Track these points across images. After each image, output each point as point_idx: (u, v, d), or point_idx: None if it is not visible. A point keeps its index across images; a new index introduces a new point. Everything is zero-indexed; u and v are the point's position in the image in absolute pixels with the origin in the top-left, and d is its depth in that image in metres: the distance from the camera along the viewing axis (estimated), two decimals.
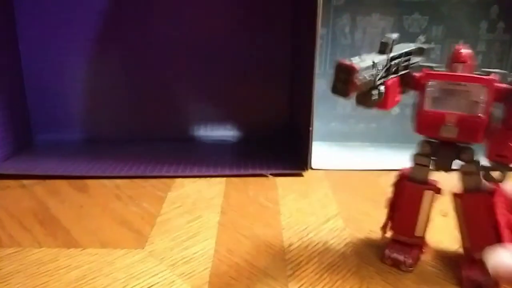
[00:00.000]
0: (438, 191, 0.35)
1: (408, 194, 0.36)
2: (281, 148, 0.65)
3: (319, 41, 0.51)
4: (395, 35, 0.31)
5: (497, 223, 0.32)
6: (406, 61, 0.33)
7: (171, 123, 0.69)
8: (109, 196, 0.50)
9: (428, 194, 0.35)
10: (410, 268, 0.36)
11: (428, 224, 0.36)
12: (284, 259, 0.38)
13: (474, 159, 0.33)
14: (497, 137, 0.31)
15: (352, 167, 0.58)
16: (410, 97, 0.71)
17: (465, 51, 0.32)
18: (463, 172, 0.33)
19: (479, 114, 0.31)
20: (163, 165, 0.57)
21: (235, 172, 0.55)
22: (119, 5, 0.63)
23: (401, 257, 0.36)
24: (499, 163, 0.31)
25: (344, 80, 0.27)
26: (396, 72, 0.32)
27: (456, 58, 0.32)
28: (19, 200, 0.49)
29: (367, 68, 0.28)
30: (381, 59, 0.30)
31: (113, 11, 0.63)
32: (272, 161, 0.59)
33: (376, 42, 0.71)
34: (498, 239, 0.32)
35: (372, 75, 0.29)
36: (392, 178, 0.55)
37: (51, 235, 0.41)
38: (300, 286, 0.34)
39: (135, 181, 0.54)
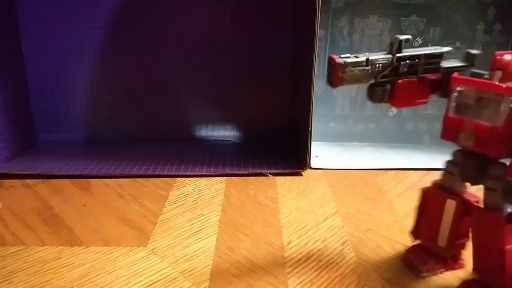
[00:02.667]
0: (462, 203, 0.33)
1: (431, 201, 0.35)
2: (280, 147, 0.66)
3: (317, 43, 0.51)
4: (404, 37, 0.32)
5: (503, 251, 0.30)
6: (430, 64, 0.33)
7: (172, 123, 0.69)
8: (112, 195, 0.50)
9: (450, 203, 0.33)
10: (422, 274, 0.35)
11: (457, 237, 0.34)
12: (283, 257, 0.38)
13: (500, 175, 0.30)
14: None
15: (351, 167, 0.59)
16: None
17: (506, 57, 0.29)
18: (486, 187, 0.31)
19: (495, 124, 0.29)
20: (165, 165, 0.58)
21: (235, 171, 0.56)
22: (120, 7, 0.64)
23: (415, 261, 0.36)
24: None
25: (331, 72, 0.30)
26: (413, 73, 0.33)
27: (493, 65, 0.30)
28: (22, 199, 0.49)
29: (357, 64, 0.30)
30: (380, 57, 0.31)
31: (114, 13, 0.64)
32: (271, 160, 0.59)
33: (374, 44, 0.72)
34: (501, 266, 0.30)
35: (366, 71, 0.31)
36: (389, 177, 0.56)
37: (54, 233, 0.42)
38: (299, 283, 0.35)
39: (137, 181, 0.54)
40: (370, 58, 0.31)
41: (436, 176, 0.57)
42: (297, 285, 0.34)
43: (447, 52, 0.34)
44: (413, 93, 0.33)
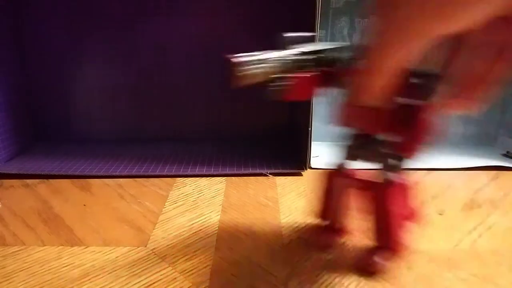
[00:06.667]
0: (352, 181, 0.37)
1: (329, 183, 0.39)
2: (280, 148, 0.66)
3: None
4: (292, 34, 0.34)
5: (387, 216, 0.34)
6: (323, 58, 0.35)
7: (171, 123, 0.69)
8: (112, 195, 0.50)
9: (340, 181, 0.37)
10: (329, 249, 0.39)
11: (347, 211, 0.39)
12: (283, 257, 0.38)
13: (386, 151, 0.34)
14: (404, 132, 0.33)
15: (350, 167, 0.59)
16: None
17: None
18: (374, 163, 0.35)
19: (380, 107, 0.32)
20: (165, 165, 0.58)
21: (235, 171, 0.56)
22: (122, 9, 0.64)
23: (322, 239, 0.40)
24: (402, 156, 0.33)
25: (231, 72, 0.31)
26: (305, 68, 0.34)
27: None
28: (22, 199, 0.49)
29: (252, 62, 0.31)
30: (273, 55, 0.32)
31: (115, 14, 0.64)
32: (271, 160, 0.59)
33: None
34: (387, 229, 0.35)
35: (263, 68, 0.32)
36: None
37: (54, 233, 0.42)
38: (299, 283, 0.35)
39: (137, 180, 0.54)
40: (265, 56, 0.32)
41: (436, 176, 0.56)
42: (297, 285, 0.34)
43: (340, 47, 0.36)
44: (307, 86, 0.35)
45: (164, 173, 0.55)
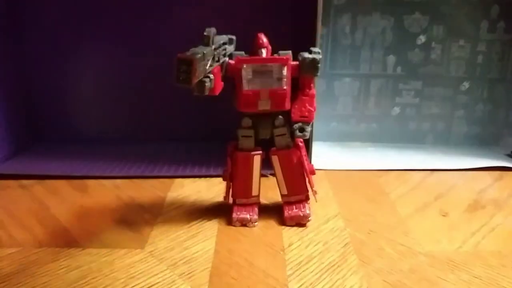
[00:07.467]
0: (263, 154, 0.43)
1: (240, 163, 0.42)
2: None
3: (319, 41, 0.51)
4: (213, 29, 0.35)
5: (304, 170, 0.42)
6: (223, 50, 0.38)
7: (170, 123, 0.69)
8: (109, 196, 0.50)
9: (256, 158, 0.42)
10: (256, 223, 0.43)
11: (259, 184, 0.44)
12: (284, 259, 0.38)
13: (284, 123, 0.41)
14: (298, 102, 0.40)
15: (353, 167, 0.58)
16: (411, 97, 0.71)
17: (265, 38, 0.41)
18: (277, 135, 0.42)
19: (284, 87, 0.39)
20: (163, 165, 0.57)
21: None
22: (121, 8, 0.63)
23: (246, 216, 0.43)
24: (303, 122, 0.40)
25: (186, 71, 0.30)
26: (218, 60, 0.36)
27: (259, 45, 0.40)
28: (19, 200, 0.49)
29: (201, 59, 0.32)
30: (208, 50, 0.33)
31: (114, 14, 0.63)
32: None
33: (376, 42, 0.71)
34: (305, 182, 0.43)
35: (205, 65, 0.33)
36: (391, 178, 0.55)
37: (51, 235, 0.42)
38: (300, 285, 0.34)
39: (135, 181, 0.54)
40: (204, 52, 0.32)
41: (440, 176, 0.56)
42: None
43: (231, 39, 0.40)
44: (220, 78, 0.37)
45: (162, 174, 0.55)
